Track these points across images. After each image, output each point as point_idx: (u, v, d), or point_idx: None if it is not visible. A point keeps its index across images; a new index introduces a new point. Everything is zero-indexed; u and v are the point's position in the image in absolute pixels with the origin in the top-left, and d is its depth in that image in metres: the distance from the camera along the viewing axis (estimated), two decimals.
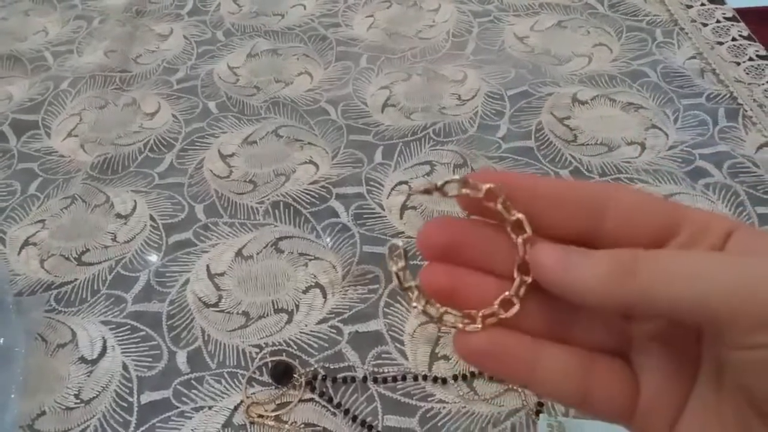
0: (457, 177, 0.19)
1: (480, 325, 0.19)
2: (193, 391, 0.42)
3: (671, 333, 0.19)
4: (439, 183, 0.19)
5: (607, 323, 0.20)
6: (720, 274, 0.16)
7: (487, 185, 0.19)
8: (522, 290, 0.19)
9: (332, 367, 0.42)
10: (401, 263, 0.20)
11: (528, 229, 0.19)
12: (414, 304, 0.20)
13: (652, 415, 0.19)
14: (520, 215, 0.19)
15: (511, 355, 0.19)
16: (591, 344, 0.20)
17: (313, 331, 0.44)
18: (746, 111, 0.57)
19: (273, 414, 0.40)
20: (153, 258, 0.50)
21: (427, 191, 0.19)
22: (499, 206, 0.19)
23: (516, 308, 0.19)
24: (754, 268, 0.16)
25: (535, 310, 0.20)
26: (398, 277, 0.20)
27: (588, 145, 0.55)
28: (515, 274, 0.19)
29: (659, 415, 0.19)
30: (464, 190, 0.19)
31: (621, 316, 0.20)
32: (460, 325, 0.19)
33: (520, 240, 0.19)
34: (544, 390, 0.20)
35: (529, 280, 0.19)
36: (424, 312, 0.20)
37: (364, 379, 0.41)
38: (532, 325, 0.20)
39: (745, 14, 0.68)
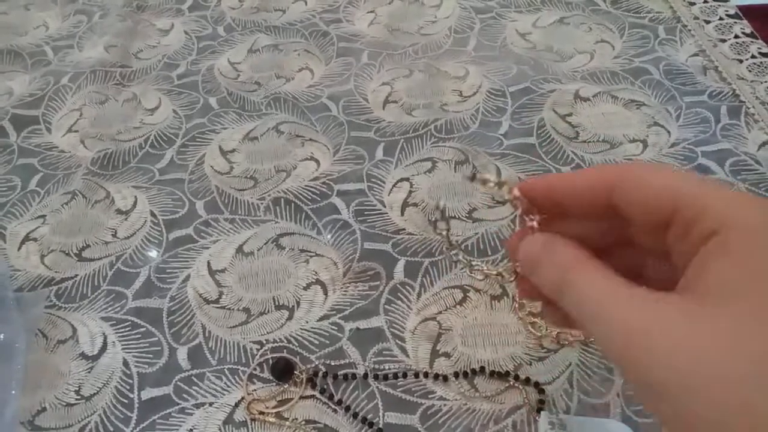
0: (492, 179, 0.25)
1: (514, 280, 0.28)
2: (194, 387, 0.42)
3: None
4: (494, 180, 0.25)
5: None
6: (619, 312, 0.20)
7: (512, 195, 0.24)
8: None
9: (333, 363, 0.42)
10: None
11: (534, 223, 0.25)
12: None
13: None
14: (532, 217, 0.25)
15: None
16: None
17: (314, 328, 0.44)
18: (749, 108, 0.57)
19: (274, 411, 0.40)
20: (153, 254, 0.49)
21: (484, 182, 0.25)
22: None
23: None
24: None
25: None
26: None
27: (590, 142, 0.55)
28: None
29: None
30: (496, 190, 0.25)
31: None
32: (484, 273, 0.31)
33: (532, 223, 0.25)
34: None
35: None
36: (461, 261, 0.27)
37: (365, 376, 0.41)
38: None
39: (747, 12, 0.68)
